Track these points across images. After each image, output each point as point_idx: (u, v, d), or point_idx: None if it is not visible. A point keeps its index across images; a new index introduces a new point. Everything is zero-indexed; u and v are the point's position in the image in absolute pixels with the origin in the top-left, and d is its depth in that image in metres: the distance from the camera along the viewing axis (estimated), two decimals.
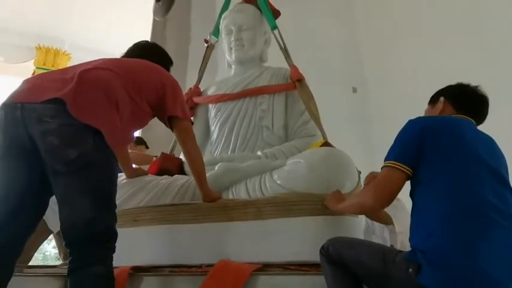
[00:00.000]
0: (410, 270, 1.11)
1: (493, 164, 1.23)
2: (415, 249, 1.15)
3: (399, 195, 1.28)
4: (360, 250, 1.26)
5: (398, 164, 1.23)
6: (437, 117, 1.41)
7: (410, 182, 1.27)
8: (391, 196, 1.25)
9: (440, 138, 1.23)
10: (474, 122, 1.38)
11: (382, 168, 1.27)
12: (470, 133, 1.29)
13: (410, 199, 1.30)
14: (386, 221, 2.49)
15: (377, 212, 1.38)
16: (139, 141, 3.49)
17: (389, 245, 2.40)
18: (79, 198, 1.29)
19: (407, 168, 1.22)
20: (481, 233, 1.11)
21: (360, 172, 1.88)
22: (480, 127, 1.40)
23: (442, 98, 1.45)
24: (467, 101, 1.41)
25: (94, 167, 1.32)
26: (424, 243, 1.14)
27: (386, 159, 1.27)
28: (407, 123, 1.31)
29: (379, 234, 2.70)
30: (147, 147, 3.52)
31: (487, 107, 1.43)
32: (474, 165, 1.20)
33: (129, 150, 3.34)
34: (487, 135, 1.33)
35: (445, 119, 1.35)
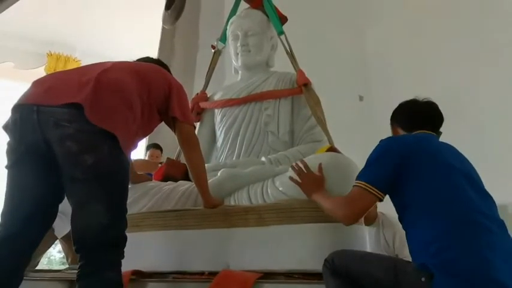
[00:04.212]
0: (423, 279, 1.12)
1: (466, 172, 1.27)
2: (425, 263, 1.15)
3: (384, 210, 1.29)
4: (369, 262, 1.26)
5: (372, 187, 1.24)
6: (409, 137, 1.41)
7: (397, 206, 1.29)
8: (359, 216, 1.30)
9: (418, 158, 1.25)
10: (434, 133, 1.40)
11: (354, 186, 1.28)
12: (439, 147, 1.33)
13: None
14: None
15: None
16: None
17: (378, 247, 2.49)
18: (95, 204, 1.29)
19: (380, 193, 1.24)
20: (482, 242, 1.14)
21: None
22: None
23: (391, 124, 1.52)
24: (412, 119, 1.43)
25: (110, 173, 1.33)
26: (433, 258, 1.14)
27: (359, 178, 1.28)
28: (380, 144, 1.32)
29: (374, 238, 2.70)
30: None
31: (434, 112, 1.44)
32: (455, 177, 1.23)
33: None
34: (449, 144, 1.36)
35: (417, 138, 1.36)
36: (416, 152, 1.27)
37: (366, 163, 1.32)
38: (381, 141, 1.34)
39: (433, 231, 1.17)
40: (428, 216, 1.19)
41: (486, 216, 1.18)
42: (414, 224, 1.24)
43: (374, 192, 1.24)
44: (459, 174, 1.24)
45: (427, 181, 1.22)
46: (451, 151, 1.34)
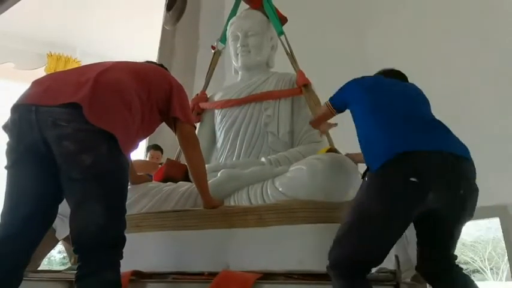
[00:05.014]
0: (366, 178, 1.33)
1: (407, 95, 1.55)
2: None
3: None
4: (350, 221, 1.31)
5: (331, 106, 1.71)
6: (369, 76, 1.74)
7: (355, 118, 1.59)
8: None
9: (372, 87, 1.57)
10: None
11: (326, 102, 1.73)
12: (387, 80, 1.64)
13: None
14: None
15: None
16: None
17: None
18: (94, 204, 1.28)
19: (333, 110, 1.71)
20: (407, 131, 1.36)
21: None
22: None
23: None
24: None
25: (109, 173, 1.32)
26: (372, 155, 1.37)
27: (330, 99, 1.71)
28: (347, 82, 1.67)
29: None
30: None
31: (397, 72, 1.74)
32: (392, 96, 1.52)
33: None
34: (412, 84, 1.67)
35: (375, 76, 1.73)
36: (372, 83, 1.60)
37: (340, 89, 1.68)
38: (349, 81, 1.67)
39: (374, 133, 1.41)
40: (371, 123, 1.45)
41: (417, 116, 1.44)
42: (362, 135, 1.50)
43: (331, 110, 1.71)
44: (406, 93, 1.55)
45: (374, 100, 1.50)
46: (402, 84, 1.62)
